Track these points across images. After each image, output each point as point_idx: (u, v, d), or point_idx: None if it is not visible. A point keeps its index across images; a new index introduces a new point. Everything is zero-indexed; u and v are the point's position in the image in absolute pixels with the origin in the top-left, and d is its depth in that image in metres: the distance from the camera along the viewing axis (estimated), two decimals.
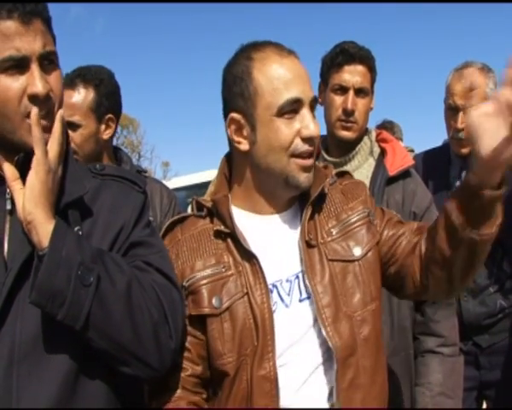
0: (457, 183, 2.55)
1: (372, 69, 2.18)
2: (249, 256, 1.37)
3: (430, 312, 2.09)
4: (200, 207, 1.49)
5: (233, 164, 1.50)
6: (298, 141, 1.34)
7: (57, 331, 1.20)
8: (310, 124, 1.34)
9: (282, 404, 1.30)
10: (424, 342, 2.08)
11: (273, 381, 1.29)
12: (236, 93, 1.39)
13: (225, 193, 1.45)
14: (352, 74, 2.13)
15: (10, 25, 1.20)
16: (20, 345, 1.20)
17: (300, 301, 1.36)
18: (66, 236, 1.20)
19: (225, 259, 1.39)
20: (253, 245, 1.38)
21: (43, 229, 1.19)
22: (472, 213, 1.25)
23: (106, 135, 2.31)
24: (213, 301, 1.35)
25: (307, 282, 1.35)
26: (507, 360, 2.42)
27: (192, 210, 1.53)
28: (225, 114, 1.44)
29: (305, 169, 1.37)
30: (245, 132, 1.39)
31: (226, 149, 1.53)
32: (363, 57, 2.14)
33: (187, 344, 1.38)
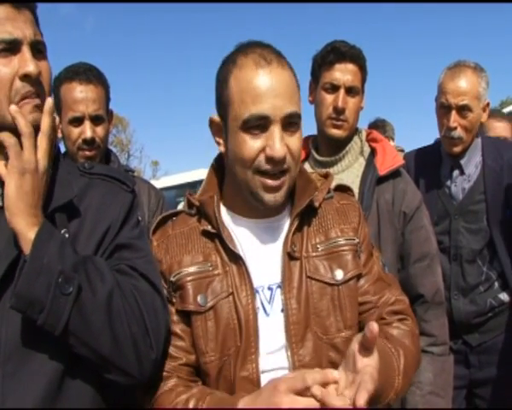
0: (448, 182, 2.55)
1: (363, 68, 2.17)
2: (236, 258, 1.36)
3: (420, 311, 2.09)
4: (190, 205, 1.49)
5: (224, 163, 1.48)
6: (261, 158, 1.29)
7: (42, 333, 1.20)
8: (274, 144, 1.27)
9: None
10: None
11: (255, 383, 1.29)
12: (217, 96, 1.38)
13: (212, 194, 1.43)
14: (343, 73, 2.13)
15: (2, 10, 1.22)
16: (5, 345, 1.20)
17: (282, 311, 1.34)
18: (49, 243, 1.20)
19: (213, 258, 1.39)
20: (239, 247, 1.37)
21: (25, 236, 1.19)
22: None
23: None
24: (198, 298, 1.35)
25: (282, 295, 1.34)
26: (501, 358, 2.44)
27: (184, 206, 1.52)
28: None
29: (270, 189, 1.31)
30: (223, 135, 1.38)
31: (216, 149, 1.51)
32: (354, 56, 2.14)
33: (180, 333, 1.37)
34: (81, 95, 2.18)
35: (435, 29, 71.02)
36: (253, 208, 1.40)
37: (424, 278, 2.11)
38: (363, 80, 2.20)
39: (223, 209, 1.43)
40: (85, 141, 2.19)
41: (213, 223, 1.39)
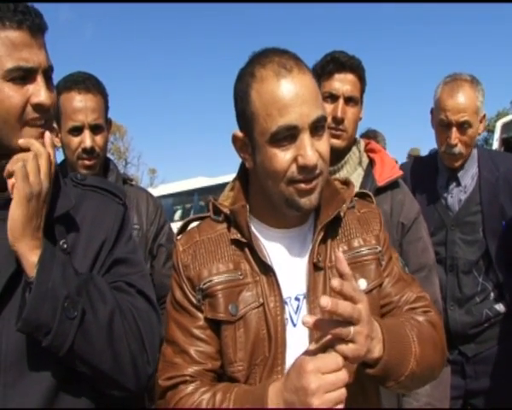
0: (444, 193, 2.56)
1: (362, 79, 2.18)
2: (266, 268, 1.36)
3: None
4: (216, 210, 1.47)
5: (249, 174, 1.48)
6: (294, 169, 1.28)
7: (40, 344, 1.21)
8: (306, 152, 1.26)
9: None
10: None
11: None
12: (239, 112, 1.36)
13: (243, 203, 1.41)
14: (343, 83, 2.13)
15: (20, 35, 1.23)
16: (5, 356, 1.21)
17: None
18: (53, 266, 1.22)
19: (242, 266, 1.38)
20: (268, 258, 1.37)
21: (28, 259, 1.21)
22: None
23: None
24: (230, 307, 1.34)
25: (307, 305, 1.34)
26: (496, 369, 2.44)
27: (208, 211, 1.50)
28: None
29: (305, 193, 1.31)
30: (249, 150, 1.37)
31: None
32: (354, 66, 2.14)
33: (207, 338, 1.37)
34: (80, 104, 2.18)
35: (429, 39, 71.51)
36: (279, 219, 1.40)
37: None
38: (362, 91, 2.21)
39: (251, 218, 1.42)
40: (85, 150, 2.19)
41: (245, 232, 1.38)
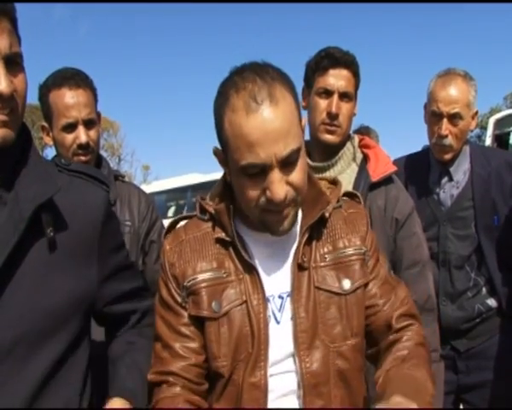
0: (437, 188, 2.57)
1: (356, 74, 2.18)
2: (249, 267, 1.37)
3: None
4: (202, 209, 1.48)
5: None
6: (264, 199, 1.27)
7: (32, 339, 1.23)
8: (273, 189, 1.24)
9: None
10: None
11: (263, 389, 1.31)
12: (217, 131, 1.35)
13: (228, 203, 1.42)
14: (337, 78, 2.13)
15: None
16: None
17: (291, 319, 1.36)
18: None
19: (226, 265, 1.39)
20: (252, 257, 1.38)
21: None
22: None
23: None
24: (213, 304, 1.36)
25: (291, 304, 1.36)
26: (488, 363, 2.46)
27: (195, 210, 1.51)
28: None
29: (277, 222, 1.31)
30: (227, 167, 1.36)
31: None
32: (348, 62, 2.14)
33: (191, 335, 1.40)
34: (72, 100, 2.15)
35: (423, 36, 71.64)
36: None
37: (415, 284, 2.11)
38: (357, 87, 2.20)
39: (236, 219, 1.42)
40: (80, 146, 2.17)
41: (228, 232, 1.39)
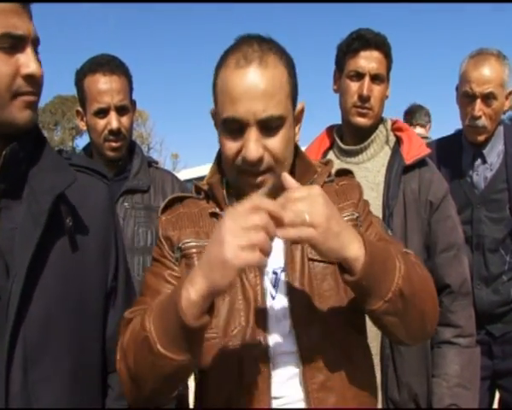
0: (470, 171, 2.53)
1: (388, 56, 2.14)
2: None
3: (447, 302, 2.07)
4: (198, 190, 1.47)
5: None
6: (240, 159, 1.27)
7: (62, 336, 1.25)
8: (247, 147, 1.24)
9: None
10: (441, 333, 2.06)
11: (265, 363, 1.25)
12: (212, 90, 1.36)
13: (220, 176, 1.42)
14: (368, 60, 2.10)
15: (7, 3, 1.17)
16: (30, 351, 1.20)
17: (286, 295, 1.30)
18: None
19: None
20: None
21: None
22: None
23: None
24: None
25: (286, 279, 1.31)
26: None
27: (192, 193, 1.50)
28: None
29: (254, 186, 1.28)
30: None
31: None
32: (380, 43, 2.10)
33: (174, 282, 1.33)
34: (105, 86, 2.18)
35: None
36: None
37: (451, 268, 2.08)
38: (389, 68, 2.16)
39: (229, 195, 1.40)
40: (112, 132, 2.19)
41: (222, 205, 1.38)
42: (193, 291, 1.07)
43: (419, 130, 4.63)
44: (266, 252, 1.05)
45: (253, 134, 1.25)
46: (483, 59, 2.40)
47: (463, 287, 2.09)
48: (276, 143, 1.27)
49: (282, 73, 1.29)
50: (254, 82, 1.24)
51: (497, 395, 2.65)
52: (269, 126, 1.26)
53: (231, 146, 1.28)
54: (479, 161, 2.52)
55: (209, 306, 1.10)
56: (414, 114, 4.77)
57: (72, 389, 1.24)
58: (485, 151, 2.50)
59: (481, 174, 2.52)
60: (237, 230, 1.04)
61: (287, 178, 1.18)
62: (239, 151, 1.27)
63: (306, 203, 1.10)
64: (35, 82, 1.22)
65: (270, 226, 1.05)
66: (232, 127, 1.27)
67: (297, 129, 1.39)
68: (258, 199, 1.08)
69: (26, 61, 1.19)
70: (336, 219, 1.13)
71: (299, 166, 1.41)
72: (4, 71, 1.17)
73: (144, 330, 1.13)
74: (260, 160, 1.26)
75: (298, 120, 1.39)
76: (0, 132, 1.21)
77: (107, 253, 1.43)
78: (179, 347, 1.10)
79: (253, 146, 1.24)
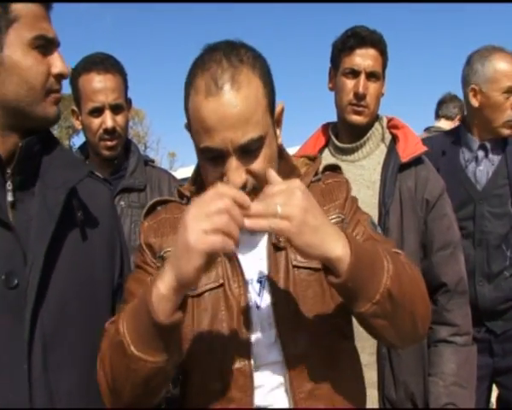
0: (471, 166, 2.54)
1: (384, 53, 2.12)
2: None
3: (443, 301, 2.06)
4: (181, 195, 1.45)
5: None
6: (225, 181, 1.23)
7: (78, 324, 1.32)
8: (230, 176, 1.20)
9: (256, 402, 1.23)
10: (437, 332, 2.05)
11: (248, 375, 1.23)
12: (184, 108, 1.31)
13: (202, 185, 1.37)
14: (364, 58, 2.08)
15: (38, 8, 1.28)
16: (49, 336, 1.26)
17: (271, 304, 1.28)
18: None
19: None
20: None
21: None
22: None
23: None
24: None
25: (270, 287, 1.28)
26: None
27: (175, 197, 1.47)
28: None
29: None
30: None
31: None
32: (375, 41, 2.09)
33: None
34: (100, 85, 2.18)
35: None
36: None
37: (447, 266, 2.07)
38: (384, 66, 2.15)
39: None
40: (106, 131, 2.19)
41: None
42: (162, 285, 1.06)
43: (441, 123, 4.38)
44: (232, 236, 1.02)
45: (233, 163, 1.20)
46: (505, 55, 2.45)
47: (460, 285, 2.08)
48: (258, 165, 1.23)
49: (257, 87, 1.23)
50: (229, 109, 1.18)
51: (495, 393, 2.64)
52: (249, 150, 1.21)
53: (213, 173, 1.24)
54: (481, 156, 2.52)
55: (181, 303, 1.09)
56: (442, 105, 4.50)
57: (88, 375, 1.27)
58: (488, 146, 2.51)
59: (484, 170, 2.52)
60: (200, 215, 1.03)
61: (271, 173, 1.16)
62: (221, 176, 1.23)
63: (283, 196, 1.07)
64: (61, 81, 1.34)
65: (235, 212, 1.03)
66: (211, 156, 1.23)
67: (278, 132, 1.34)
68: (222, 187, 1.07)
69: (56, 62, 1.31)
70: (314, 213, 1.09)
71: (283, 167, 1.37)
72: (41, 70, 1.29)
73: (118, 333, 1.11)
74: (244, 185, 1.22)
75: (278, 122, 1.35)
76: (27, 126, 1.30)
77: (114, 251, 1.50)
78: (154, 348, 1.08)
79: (236, 175, 1.20)
